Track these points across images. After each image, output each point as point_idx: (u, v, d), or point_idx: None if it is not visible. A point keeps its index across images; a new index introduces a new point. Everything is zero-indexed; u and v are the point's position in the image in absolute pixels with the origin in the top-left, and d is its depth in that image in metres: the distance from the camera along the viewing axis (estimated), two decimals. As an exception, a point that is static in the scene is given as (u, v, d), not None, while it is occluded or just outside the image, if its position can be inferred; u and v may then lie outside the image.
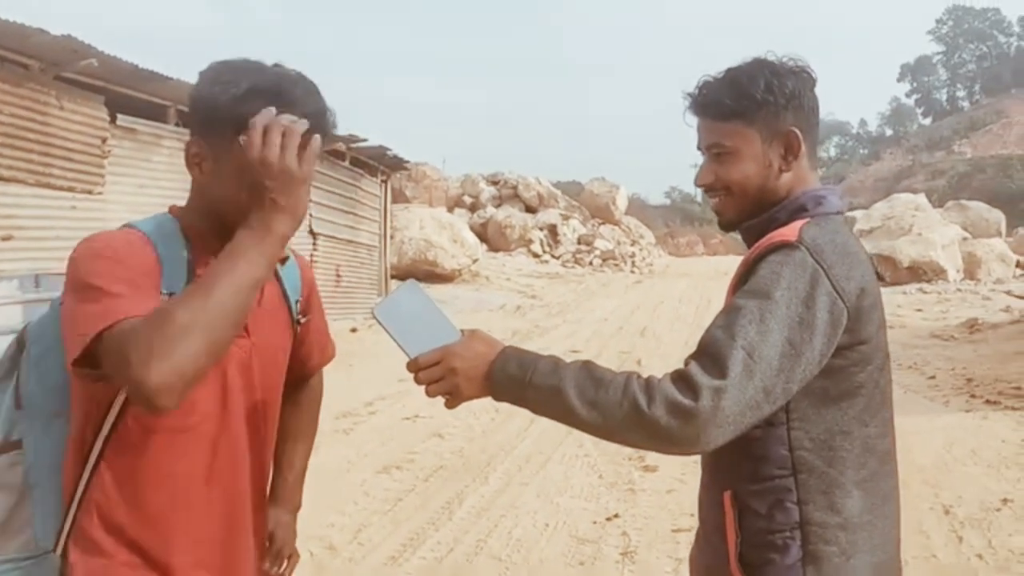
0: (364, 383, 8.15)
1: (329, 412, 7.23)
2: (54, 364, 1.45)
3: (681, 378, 1.31)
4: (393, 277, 17.76)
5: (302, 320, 1.68)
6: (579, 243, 27.74)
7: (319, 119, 1.40)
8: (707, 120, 1.54)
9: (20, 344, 1.51)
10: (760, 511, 1.45)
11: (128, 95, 8.41)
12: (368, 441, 6.42)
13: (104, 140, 8.16)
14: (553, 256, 26.99)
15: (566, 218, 28.75)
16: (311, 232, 12.82)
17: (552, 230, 27.93)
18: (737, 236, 1.66)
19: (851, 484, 1.44)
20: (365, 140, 13.88)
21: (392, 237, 18.01)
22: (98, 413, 1.40)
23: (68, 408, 1.44)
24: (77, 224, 7.71)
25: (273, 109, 1.32)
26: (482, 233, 27.12)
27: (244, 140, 1.31)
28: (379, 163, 15.69)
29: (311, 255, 12.87)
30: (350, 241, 14.32)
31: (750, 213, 1.55)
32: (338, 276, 13.80)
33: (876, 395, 1.48)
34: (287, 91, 1.38)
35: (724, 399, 1.27)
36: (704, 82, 1.54)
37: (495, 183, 31.50)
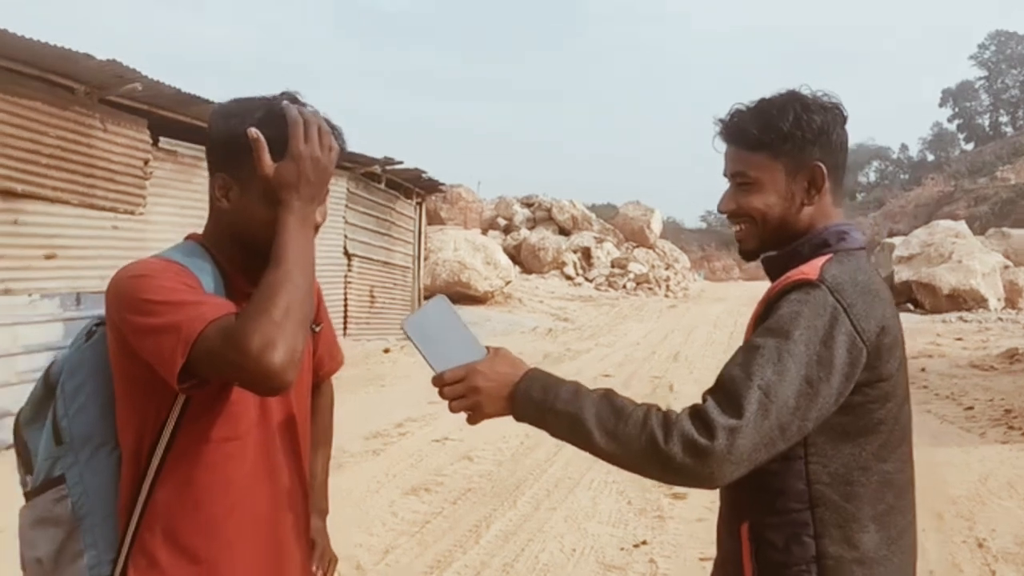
0: (395, 404, 8.20)
1: (360, 432, 7.33)
2: (92, 396, 1.51)
3: (698, 416, 1.33)
4: (427, 298, 17.88)
5: (316, 329, 1.75)
6: (613, 266, 27.68)
7: (339, 135, 1.52)
8: (734, 148, 1.57)
9: (48, 383, 1.57)
10: (777, 544, 1.46)
11: (170, 118, 8.61)
12: (398, 462, 6.45)
13: (146, 162, 8.35)
14: (586, 279, 26.97)
15: (600, 241, 28.73)
16: (346, 253, 12.96)
17: (586, 253, 27.92)
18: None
19: (868, 519, 1.45)
20: (401, 163, 14.04)
21: (426, 259, 18.14)
22: (153, 431, 1.45)
23: (111, 436, 1.50)
24: (119, 244, 7.88)
25: (296, 107, 1.44)
26: (515, 255, 27.20)
27: (254, 134, 1.41)
28: (414, 185, 15.84)
29: (346, 276, 13.00)
30: (385, 262, 14.45)
31: (770, 244, 1.57)
32: (372, 297, 13.92)
33: (896, 431, 1.48)
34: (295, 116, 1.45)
35: (739, 438, 1.29)
36: (735, 110, 1.56)
37: (529, 205, 31.61)
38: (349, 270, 13.12)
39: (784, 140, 1.50)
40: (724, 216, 1.64)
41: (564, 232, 29.66)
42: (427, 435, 7.22)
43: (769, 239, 1.57)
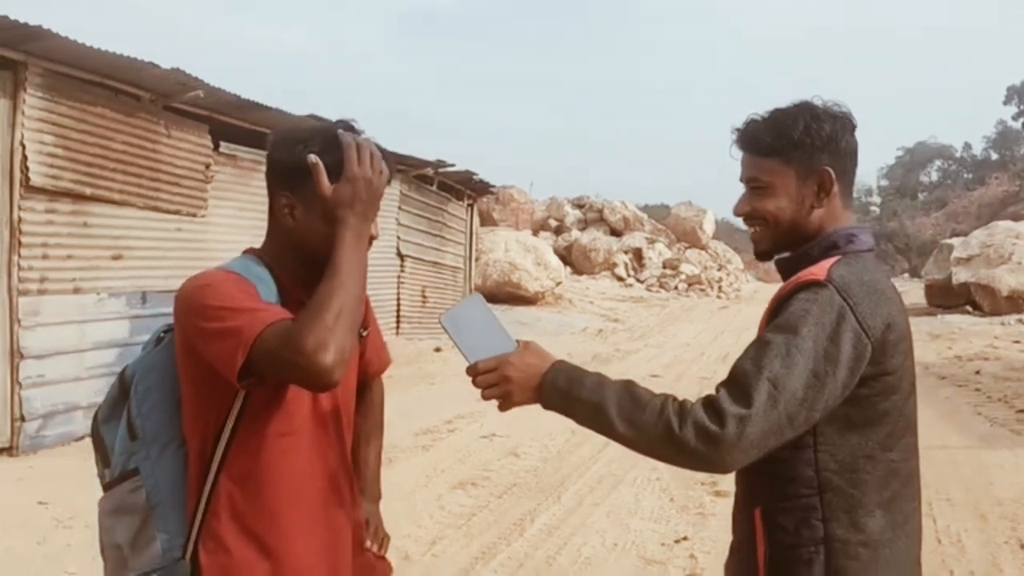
0: (445, 401, 8.37)
1: (410, 429, 7.52)
2: (162, 397, 1.69)
3: (710, 405, 1.44)
4: (477, 299, 18.05)
5: (363, 333, 1.90)
6: (664, 267, 27.59)
7: (385, 155, 1.67)
8: (748, 155, 1.68)
9: (123, 384, 1.75)
10: (787, 527, 1.56)
11: (229, 123, 8.91)
12: (446, 457, 6.62)
13: (208, 166, 8.65)
14: (638, 280, 26.91)
15: (652, 242, 28.66)
16: (398, 254, 13.21)
17: (637, 254, 27.87)
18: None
19: (874, 504, 1.54)
20: (452, 165, 14.24)
21: (477, 259, 18.34)
22: (216, 427, 1.62)
23: (179, 433, 1.67)
24: (182, 245, 8.20)
25: (350, 134, 1.61)
26: (566, 256, 27.27)
27: (314, 159, 1.58)
28: (465, 187, 16.05)
29: (398, 276, 13.25)
30: (436, 263, 14.67)
31: (783, 245, 1.68)
32: (424, 297, 14.15)
33: (900, 422, 1.58)
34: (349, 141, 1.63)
35: (748, 426, 1.40)
36: (750, 119, 1.67)
37: (580, 206, 31.65)
38: (402, 270, 13.36)
39: (795, 147, 1.61)
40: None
41: (615, 233, 29.63)
42: (475, 431, 7.38)
43: (781, 240, 1.68)
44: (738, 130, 1.68)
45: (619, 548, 4.71)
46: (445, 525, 5.11)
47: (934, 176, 66.98)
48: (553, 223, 30.92)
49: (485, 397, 1.59)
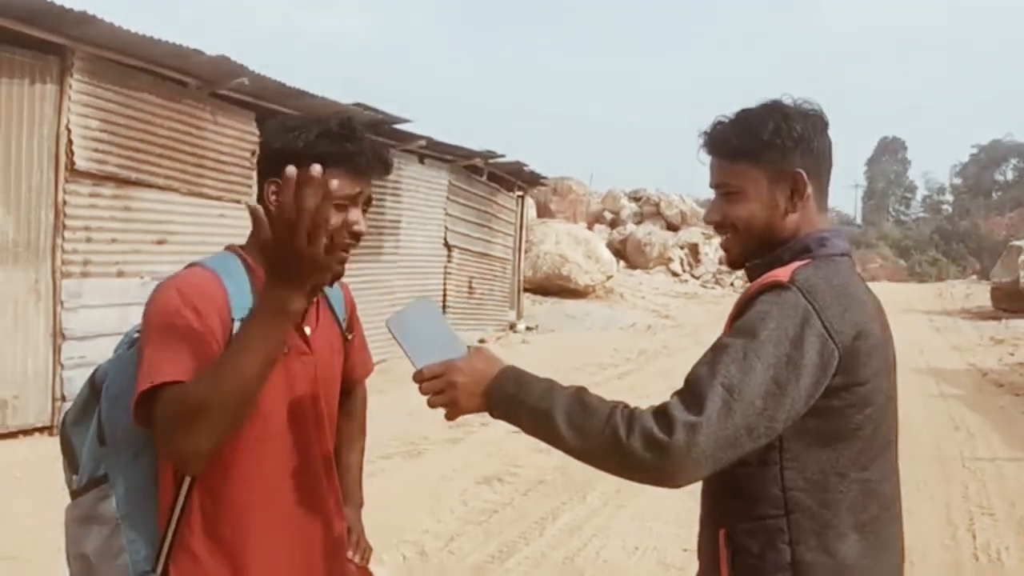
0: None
1: (441, 422, 7.44)
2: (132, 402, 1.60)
3: (661, 412, 1.33)
4: (526, 291, 17.99)
5: (349, 337, 1.83)
6: (721, 263, 27.13)
7: (378, 151, 1.59)
8: (717, 160, 1.57)
9: (94, 386, 1.67)
10: (752, 550, 1.44)
11: (275, 110, 8.96)
12: (475, 452, 6.55)
13: (252, 153, 8.71)
14: (693, 276, 26.54)
15: (709, 237, 28.18)
16: (445, 244, 13.19)
17: (693, 249, 27.47)
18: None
19: (847, 527, 1.42)
20: (503, 156, 14.16)
21: (527, 251, 18.25)
22: None
23: (150, 440, 1.55)
24: (225, 231, 8.27)
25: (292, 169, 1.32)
26: (621, 250, 27.02)
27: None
28: (516, 178, 15.95)
29: (445, 267, 13.23)
30: (484, 254, 14.62)
31: (755, 252, 1.57)
32: (471, 288, 14.11)
33: (876, 439, 1.45)
34: (350, 133, 1.55)
35: (699, 435, 1.28)
36: (717, 121, 1.57)
37: (637, 199, 31.34)
38: (449, 261, 13.34)
39: (764, 148, 1.50)
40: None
41: (672, 228, 29.27)
42: (507, 426, 7.20)
43: (753, 247, 1.56)
44: (705, 133, 1.57)
45: (640, 552, 4.58)
46: (465, 521, 5.04)
47: (1009, 175, 64.65)
48: (608, 216, 30.67)
49: (431, 404, 1.49)
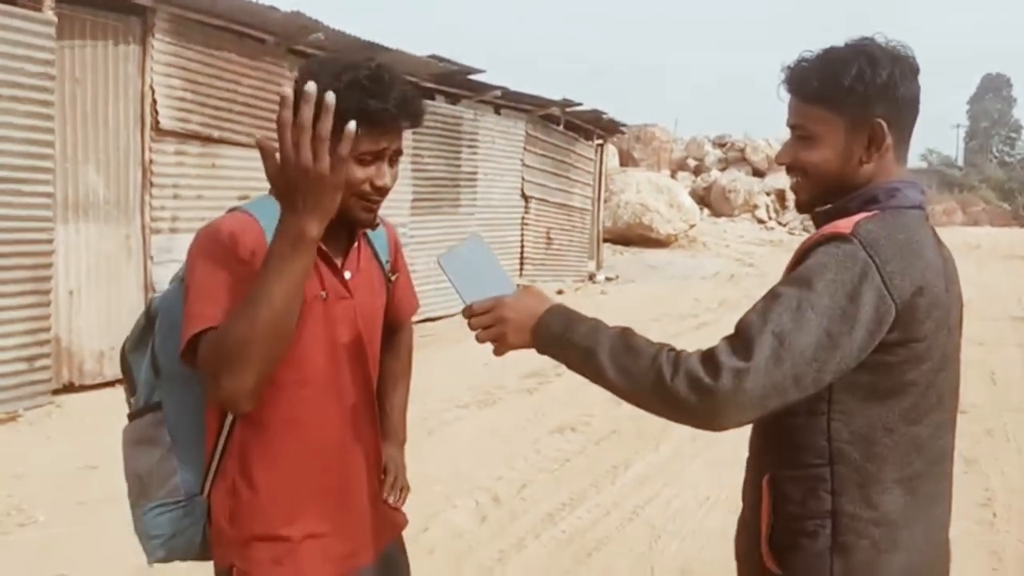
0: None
1: (516, 372, 7.53)
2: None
3: (708, 356, 1.33)
4: (607, 241, 17.85)
5: (392, 278, 1.85)
6: (808, 209, 26.35)
7: (406, 105, 1.55)
8: (795, 99, 1.51)
9: (149, 318, 1.75)
10: (794, 497, 1.44)
11: (352, 65, 9.05)
12: (549, 402, 6.61)
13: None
14: (779, 223, 25.86)
15: (796, 183, 27.38)
16: (523, 195, 13.16)
17: (780, 195, 26.69)
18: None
19: (891, 481, 1.40)
20: (580, 104, 13.97)
21: (607, 201, 18.06)
22: None
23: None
24: (304, 185, 8.45)
25: (310, 106, 1.32)
26: (705, 197, 26.50)
27: (260, 141, 1.37)
28: (595, 127, 15.74)
29: (523, 218, 13.22)
30: (562, 204, 14.53)
31: (824, 198, 1.52)
32: (548, 239, 14.08)
33: (930, 395, 1.41)
34: (377, 86, 1.51)
35: (745, 381, 1.28)
36: (800, 59, 1.50)
37: (721, 145, 30.57)
38: (526, 212, 13.32)
39: (845, 95, 1.43)
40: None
41: (758, 173, 28.47)
42: (581, 377, 7.30)
43: (822, 195, 1.52)
44: (788, 68, 1.51)
45: (710, 501, 4.58)
46: (538, 469, 5.11)
47: None
48: (692, 163, 30.04)
49: (480, 339, 1.52)
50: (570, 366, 1.46)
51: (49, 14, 6.01)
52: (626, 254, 18.77)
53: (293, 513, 1.63)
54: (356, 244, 1.72)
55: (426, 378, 4.39)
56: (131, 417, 1.76)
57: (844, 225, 1.40)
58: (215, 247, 1.54)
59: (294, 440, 1.63)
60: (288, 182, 1.34)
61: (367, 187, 1.57)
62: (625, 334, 1.42)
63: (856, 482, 1.40)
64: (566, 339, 1.44)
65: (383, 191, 1.60)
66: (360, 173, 1.55)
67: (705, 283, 15.45)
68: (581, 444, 5.60)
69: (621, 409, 6.40)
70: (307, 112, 1.30)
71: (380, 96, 1.51)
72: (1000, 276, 16.95)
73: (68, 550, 3.87)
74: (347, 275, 1.67)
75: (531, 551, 3.96)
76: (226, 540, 1.64)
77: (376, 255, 1.81)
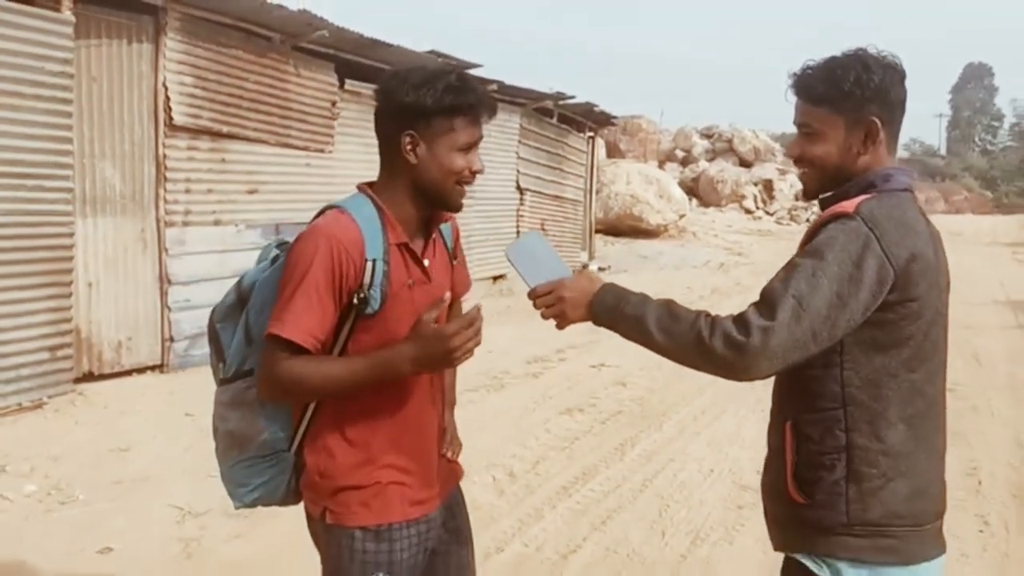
0: (556, 332, 8.49)
1: (522, 356, 7.81)
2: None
3: (739, 318, 1.61)
4: (598, 232, 18.11)
5: (454, 262, 2.12)
6: (796, 199, 26.68)
7: (488, 100, 1.85)
8: (801, 101, 1.79)
9: (240, 293, 1.99)
10: (814, 437, 1.71)
11: (354, 61, 9.24)
12: (555, 385, 6.87)
13: (334, 103, 9.04)
14: (767, 212, 26.20)
15: (783, 173, 27.69)
16: (518, 188, 13.39)
17: (767, 185, 27.07)
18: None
19: (895, 418, 1.67)
20: (573, 97, 14.20)
21: (598, 192, 18.31)
22: (327, 342, 1.82)
23: None
24: (310, 180, 8.66)
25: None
26: (693, 188, 26.79)
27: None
28: (586, 119, 15.98)
29: (518, 209, 13.46)
30: (556, 196, 14.78)
31: (828, 186, 1.80)
32: (544, 230, 14.32)
33: (926, 346, 1.68)
34: (466, 84, 1.80)
35: (772, 337, 1.56)
36: (805, 66, 1.78)
37: (708, 136, 30.87)
38: (521, 204, 13.55)
39: (845, 97, 1.71)
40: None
41: (745, 164, 28.80)
42: (585, 361, 7.59)
43: (826, 183, 1.80)
44: (794, 74, 1.78)
45: (715, 474, 4.85)
46: (549, 447, 5.37)
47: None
48: (680, 154, 30.33)
49: (544, 316, 1.82)
50: (622, 333, 1.74)
51: (67, 14, 6.19)
52: (617, 245, 19.05)
53: (380, 466, 1.88)
54: (433, 235, 1.97)
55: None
56: (222, 382, 1.99)
57: (848, 206, 1.67)
58: (314, 254, 1.76)
59: (385, 406, 1.88)
60: (433, 355, 1.73)
61: (466, 173, 1.84)
62: (669, 304, 1.71)
63: (866, 419, 1.66)
64: (619, 310, 1.73)
65: (476, 175, 1.86)
66: (461, 161, 1.82)
67: (696, 272, 15.75)
68: (589, 424, 5.86)
69: (625, 391, 6.69)
70: (480, 326, 1.75)
71: (471, 93, 1.79)
72: (983, 263, 17.36)
73: (110, 525, 4.09)
74: (426, 263, 1.92)
75: (548, 520, 4.23)
76: (319, 490, 1.88)
77: (445, 243, 2.07)
